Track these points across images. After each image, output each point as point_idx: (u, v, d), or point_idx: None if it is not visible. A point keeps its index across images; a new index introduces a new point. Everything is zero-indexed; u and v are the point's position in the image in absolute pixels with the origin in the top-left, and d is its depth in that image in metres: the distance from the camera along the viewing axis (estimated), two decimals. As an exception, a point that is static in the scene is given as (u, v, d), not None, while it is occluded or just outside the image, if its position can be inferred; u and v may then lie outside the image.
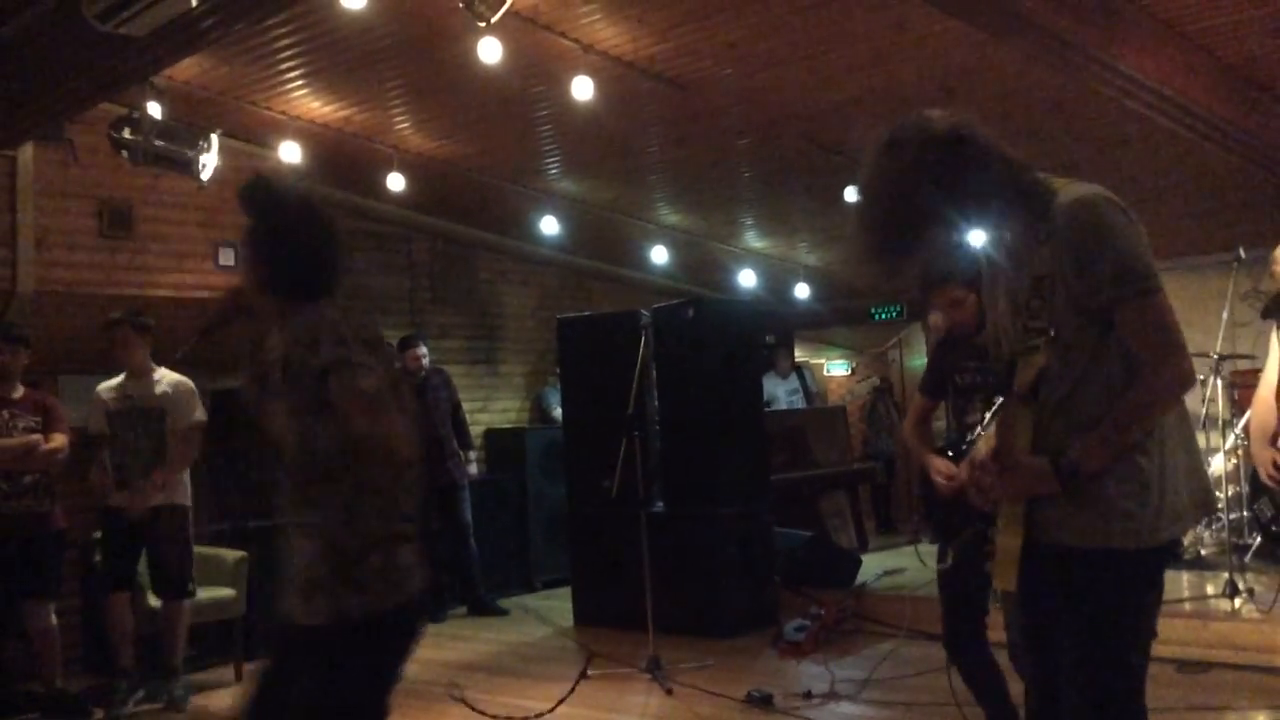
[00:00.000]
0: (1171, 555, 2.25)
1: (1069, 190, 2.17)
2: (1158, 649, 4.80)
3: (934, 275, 4.11)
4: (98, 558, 6.01)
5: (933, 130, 2.12)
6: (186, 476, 5.72)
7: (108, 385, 5.67)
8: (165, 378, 5.71)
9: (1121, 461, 2.10)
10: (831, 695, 5.02)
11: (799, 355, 11.11)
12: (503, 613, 7.69)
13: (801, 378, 10.29)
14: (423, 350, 7.59)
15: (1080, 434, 2.09)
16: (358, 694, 2.34)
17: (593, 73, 5.74)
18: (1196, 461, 2.26)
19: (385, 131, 6.99)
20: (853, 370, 12.41)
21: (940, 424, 5.37)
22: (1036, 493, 2.06)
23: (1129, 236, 2.10)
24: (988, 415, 2.23)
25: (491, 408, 9.34)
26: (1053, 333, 2.10)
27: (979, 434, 2.53)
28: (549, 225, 8.38)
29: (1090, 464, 2.07)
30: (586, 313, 8.24)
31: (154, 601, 5.69)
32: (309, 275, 2.54)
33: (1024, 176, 2.16)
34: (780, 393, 9.88)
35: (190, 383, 5.76)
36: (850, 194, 7.43)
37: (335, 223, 2.62)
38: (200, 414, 5.79)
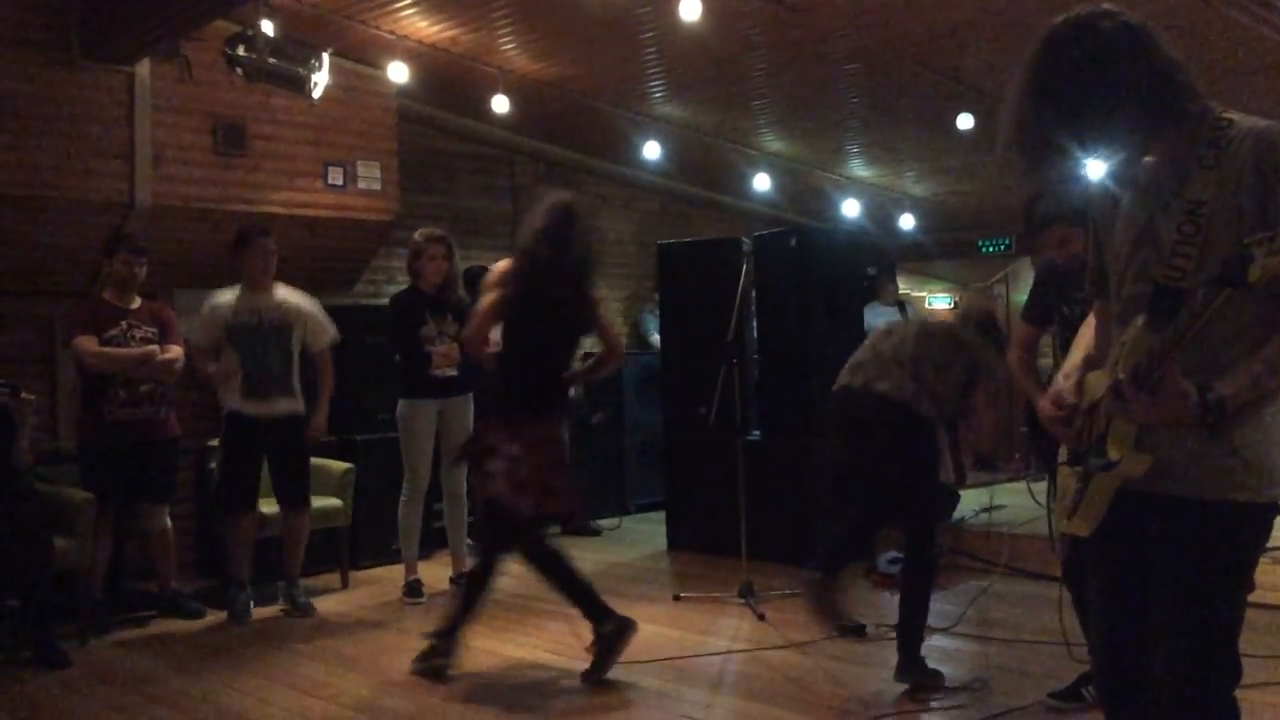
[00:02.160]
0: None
1: (1251, 120, 2.05)
2: (1267, 596, 4.71)
3: (1040, 216, 4.00)
4: (212, 465, 6.21)
5: (1105, 23, 2.02)
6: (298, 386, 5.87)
7: (225, 300, 5.72)
8: (287, 293, 5.85)
9: (1249, 411, 2.02)
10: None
11: (901, 288, 10.91)
12: (595, 533, 7.80)
13: (904, 313, 10.10)
14: (523, 273, 7.62)
15: (1207, 369, 2.00)
16: None
17: (702, -8, 5.62)
18: None
19: (491, 52, 6.97)
20: (955, 304, 12.17)
21: (1046, 360, 5.24)
22: (1172, 421, 1.96)
23: None
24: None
25: (589, 332, 9.37)
26: (1199, 262, 2.00)
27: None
28: (651, 150, 8.31)
29: (1237, 401, 1.95)
30: (687, 239, 8.19)
31: (267, 509, 5.89)
32: None
33: (1189, 91, 2.05)
34: (881, 324, 9.73)
35: (315, 300, 5.93)
36: (964, 121, 7.24)
37: None
38: (335, 333, 5.97)
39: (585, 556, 7.03)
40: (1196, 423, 1.93)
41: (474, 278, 7.37)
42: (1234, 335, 2.01)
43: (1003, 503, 7.05)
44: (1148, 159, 2.17)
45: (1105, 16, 2.04)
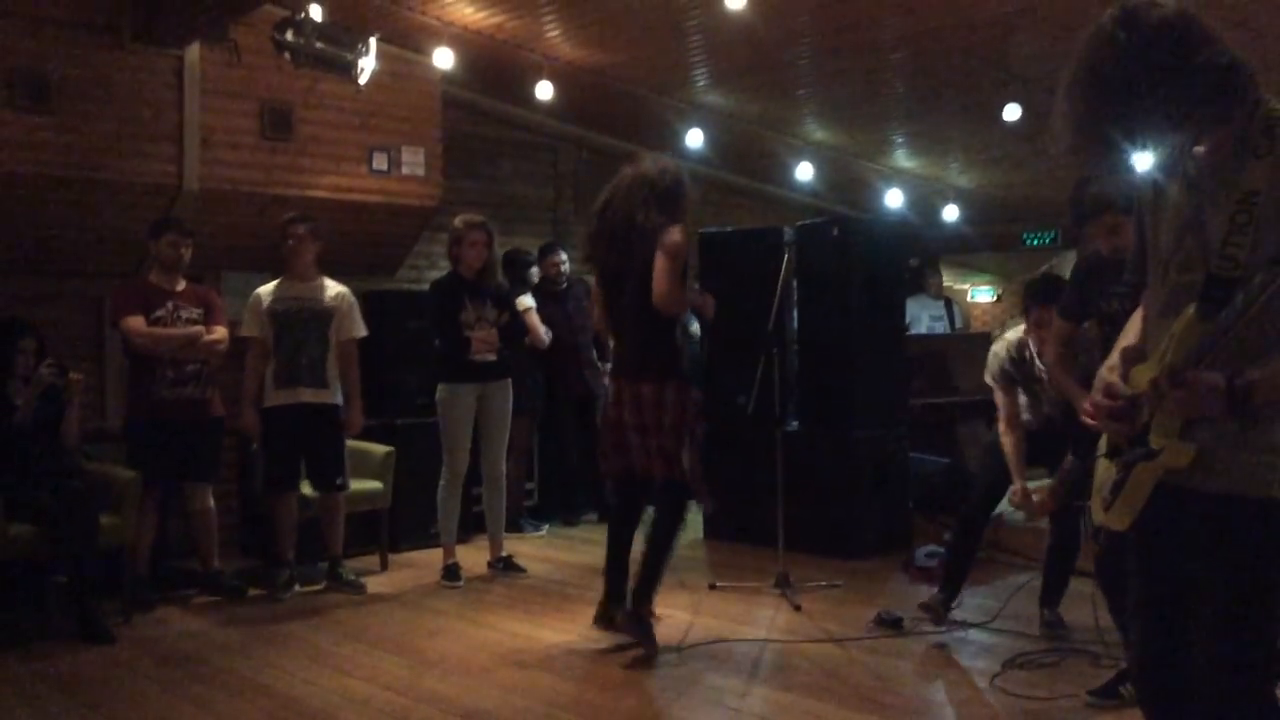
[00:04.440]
0: None
1: None
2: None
3: (1091, 201, 3.95)
4: (254, 446, 6.29)
5: (1157, 13, 2.01)
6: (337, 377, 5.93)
7: (267, 289, 5.85)
8: (331, 284, 5.95)
9: None
10: (962, 622, 4.98)
11: (944, 280, 10.82)
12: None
13: (950, 309, 10.03)
14: (562, 257, 7.64)
15: (1257, 354, 1.97)
16: None
17: (748, -20, 5.60)
18: None
19: (536, 39, 6.98)
20: (998, 297, 12.05)
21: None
22: (1202, 413, 1.95)
23: None
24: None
25: (629, 320, 9.38)
26: (1252, 252, 1.98)
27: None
28: (694, 138, 8.29)
29: (1266, 392, 1.93)
30: (728, 228, 8.16)
31: (308, 491, 5.96)
32: None
33: (1244, 81, 2.03)
34: (924, 316, 9.67)
35: (352, 295, 5.99)
36: (1011, 112, 7.16)
37: None
38: (363, 328, 6.03)
39: (622, 544, 7.05)
40: (1226, 413, 1.93)
41: (512, 261, 7.41)
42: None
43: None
44: (1198, 149, 2.14)
45: (1156, 6, 2.02)
